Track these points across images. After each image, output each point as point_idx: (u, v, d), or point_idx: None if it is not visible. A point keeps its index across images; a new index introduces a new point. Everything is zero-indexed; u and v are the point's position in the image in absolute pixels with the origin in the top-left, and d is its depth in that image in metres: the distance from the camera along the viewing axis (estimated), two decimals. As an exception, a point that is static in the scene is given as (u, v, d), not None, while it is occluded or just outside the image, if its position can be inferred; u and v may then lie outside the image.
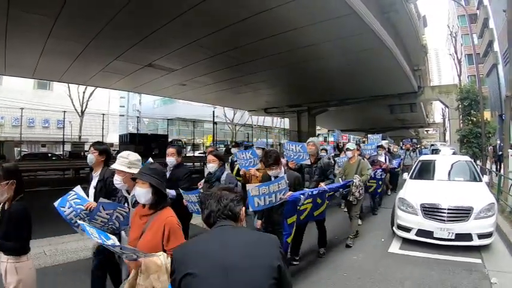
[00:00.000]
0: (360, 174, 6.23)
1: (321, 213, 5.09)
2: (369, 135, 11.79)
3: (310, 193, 4.55)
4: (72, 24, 10.62)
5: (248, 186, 3.93)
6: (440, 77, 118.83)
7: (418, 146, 27.72)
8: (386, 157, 10.12)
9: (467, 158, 8.70)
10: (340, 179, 6.23)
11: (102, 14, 10.10)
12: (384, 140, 15.44)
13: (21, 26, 10.60)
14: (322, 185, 4.96)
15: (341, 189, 5.89)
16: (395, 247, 5.82)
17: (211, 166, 4.37)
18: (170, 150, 4.59)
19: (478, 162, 14.60)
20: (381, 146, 10.24)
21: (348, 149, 6.72)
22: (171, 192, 4.09)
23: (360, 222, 6.99)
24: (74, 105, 30.89)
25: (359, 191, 5.99)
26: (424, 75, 24.90)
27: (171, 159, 4.54)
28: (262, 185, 3.87)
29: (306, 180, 5.25)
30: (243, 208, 1.74)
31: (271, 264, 1.45)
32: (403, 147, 16.04)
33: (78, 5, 9.47)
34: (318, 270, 4.89)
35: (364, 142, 10.56)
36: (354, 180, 5.96)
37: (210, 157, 4.46)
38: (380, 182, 8.31)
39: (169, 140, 24.97)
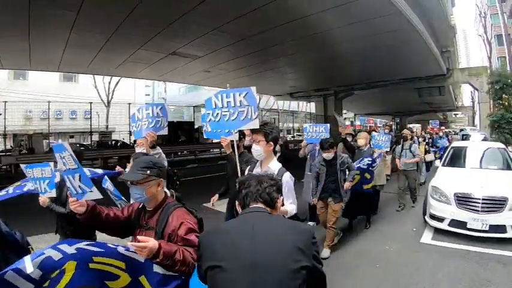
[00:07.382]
0: None
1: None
2: None
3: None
4: (94, 16, 10.70)
5: None
6: (469, 59, 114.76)
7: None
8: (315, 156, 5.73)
9: (500, 144, 8.35)
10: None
11: (123, 5, 10.13)
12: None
13: (44, 22, 10.75)
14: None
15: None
16: (427, 237, 5.71)
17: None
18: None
19: (510, 149, 14.03)
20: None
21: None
22: None
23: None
24: (100, 95, 31.15)
25: None
26: (452, 57, 23.88)
27: None
28: None
29: None
30: (281, 198, 1.74)
31: (300, 264, 1.41)
32: (438, 133, 14.41)
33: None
34: (349, 258, 4.91)
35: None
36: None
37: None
38: None
39: (195, 127, 24.88)
